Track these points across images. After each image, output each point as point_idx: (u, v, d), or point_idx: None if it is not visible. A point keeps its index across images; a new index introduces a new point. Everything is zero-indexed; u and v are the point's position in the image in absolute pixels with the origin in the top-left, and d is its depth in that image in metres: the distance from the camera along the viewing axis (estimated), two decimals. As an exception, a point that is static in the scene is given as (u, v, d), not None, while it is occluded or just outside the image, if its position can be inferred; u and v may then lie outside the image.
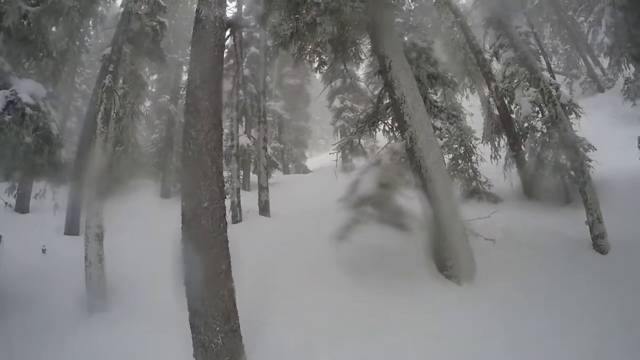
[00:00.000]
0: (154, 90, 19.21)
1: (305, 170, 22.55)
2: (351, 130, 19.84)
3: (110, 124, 9.01)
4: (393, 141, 6.90)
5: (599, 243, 7.10)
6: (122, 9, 10.07)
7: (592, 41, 16.22)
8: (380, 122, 7.77)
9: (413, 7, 11.02)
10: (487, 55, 12.05)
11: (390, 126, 7.93)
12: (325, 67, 10.13)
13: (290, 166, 23.17)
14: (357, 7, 6.49)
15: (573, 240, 7.39)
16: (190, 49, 5.32)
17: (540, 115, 10.72)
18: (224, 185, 4.83)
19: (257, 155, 14.74)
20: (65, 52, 12.49)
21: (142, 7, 11.09)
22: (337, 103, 20.94)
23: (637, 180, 9.73)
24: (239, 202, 13.16)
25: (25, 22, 7.37)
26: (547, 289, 5.81)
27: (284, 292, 5.90)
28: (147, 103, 19.06)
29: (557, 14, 17.28)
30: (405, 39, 7.66)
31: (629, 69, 11.57)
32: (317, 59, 9.31)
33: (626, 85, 13.44)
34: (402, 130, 6.78)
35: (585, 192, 7.46)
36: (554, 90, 9.39)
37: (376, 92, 8.50)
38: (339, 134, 20.93)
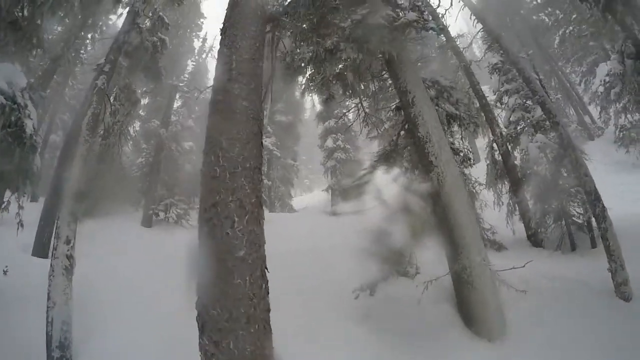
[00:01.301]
0: (143, 113, 18.42)
1: (291, 210, 21.75)
2: (339, 172, 19.80)
3: (96, 133, 8.26)
4: (414, 183, 6.40)
5: (622, 290, 6.71)
6: (123, 19, 9.44)
7: (584, 91, 16.69)
8: (397, 161, 7.28)
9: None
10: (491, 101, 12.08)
11: (406, 166, 7.45)
12: (333, 101, 9.84)
13: (276, 204, 22.44)
14: (385, 36, 6.18)
15: (594, 288, 7.03)
16: (217, 47, 4.09)
17: (546, 161, 10.62)
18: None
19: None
20: (60, 57, 11.85)
21: (146, 22, 10.61)
22: (329, 143, 20.57)
23: (642, 227, 9.50)
24: None
25: (19, 7, 6.49)
26: (581, 342, 5.38)
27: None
28: (136, 125, 18.26)
29: (549, 64, 17.82)
30: (426, 76, 7.33)
31: (630, 116, 11.74)
32: (327, 91, 8.99)
33: (621, 133, 13.67)
34: (426, 171, 6.31)
35: (607, 239, 7.12)
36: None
37: (390, 130, 8.07)
38: (329, 175, 20.47)
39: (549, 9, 17.69)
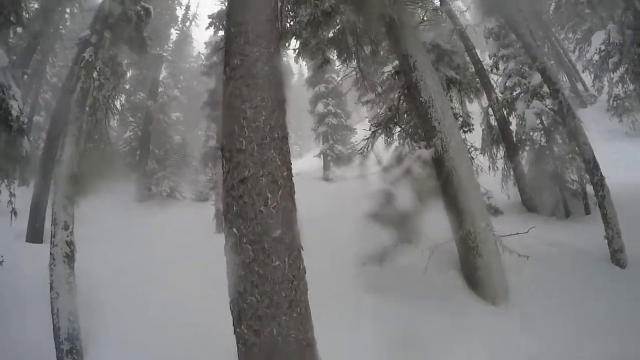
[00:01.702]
0: (128, 87, 17.76)
1: (281, 176, 21.65)
2: (330, 138, 19.52)
3: (85, 110, 7.90)
4: (418, 148, 6.27)
5: (618, 257, 6.82)
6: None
7: (577, 58, 16.55)
8: (397, 126, 7.13)
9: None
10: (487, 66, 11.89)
11: (407, 132, 7.31)
12: (328, 66, 9.56)
13: (267, 171, 22.19)
14: (385, -1, 5.92)
15: (590, 254, 7.14)
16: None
17: (542, 128, 10.59)
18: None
19: None
20: (39, 34, 11.24)
21: None
22: (320, 108, 20.16)
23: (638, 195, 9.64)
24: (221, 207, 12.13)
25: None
26: (581, 307, 5.48)
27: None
28: (122, 99, 17.66)
29: (542, 30, 17.54)
30: (425, 40, 7.10)
31: (626, 86, 11.68)
32: (321, 56, 8.70)
33: (615, 102, 13.65)
34: (429, 137, 6.18)
35: (604, 206, 7.16)
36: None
37: (386, 94, 7.87)
38: (321, 140, 20.22)
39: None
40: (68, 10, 13.97)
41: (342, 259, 6.47)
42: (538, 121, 10.61)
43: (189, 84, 23.66)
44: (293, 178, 3.04)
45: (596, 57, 13.37)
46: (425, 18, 7.58)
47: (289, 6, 6.76)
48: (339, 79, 12.72)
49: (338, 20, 6.63)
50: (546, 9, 17.43)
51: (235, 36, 3.26)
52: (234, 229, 2.68)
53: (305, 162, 27.73)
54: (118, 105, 15.74)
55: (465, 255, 5.87)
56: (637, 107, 12.81)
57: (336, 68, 21.13)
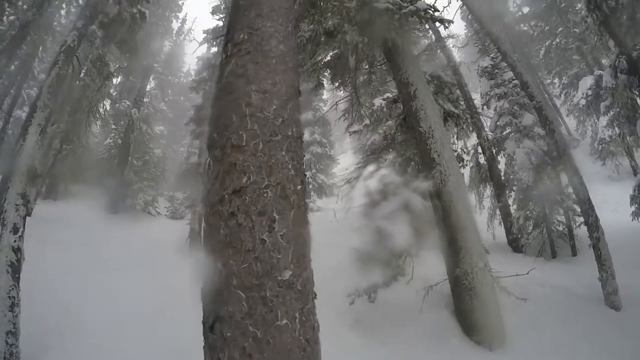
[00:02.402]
0: (114, 93, 17.18)
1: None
2: (313, 166, 19.26)
3: (59, 99, 7.33)
4: (412, 180, 5.98)
5: (612, 299, 6.65)
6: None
7: (563, 103, 16.95)
8: (390, 155, 6.86)
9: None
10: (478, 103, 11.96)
11: (402, 162, 7.04)
12: (323, 90, 9.35)
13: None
14: (391, 22, 5.74)
15: (584, 295, 7.01)
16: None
17: (530, 168, 10.56)
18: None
19: None
20: (30, 23, 10.67)
21: None
22: (306, 135, 19.99)
23: (627, 235, 9.59)
24: (200, 229, 11.40)
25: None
26: (577, 351, 5.32)
27: None
28: (107, 104, 17.05)
29: (531, 74, 18.03)
30: (425, 70, 6.96)
31: (612, 130, 11.90)
32: (316, 79, 8.50)
33: (600, 146, 13.89)
34: (427, 169, 5.92)
35: (599, 248, 7.03)
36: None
37: (384, 124, 7.65)
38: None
39: (534, 21, 17.89)
40: (64, 5, 13.51)
41: (327, 294, 5.99)
42: (528, 161, 10.58)
43: (176, 99, 23.25)
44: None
45: (583, 101, 13.69)
46: (424, 50, 7.46)
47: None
48: (330, 104, 12.51)
49: (337, 42, 6.41)
50: (534, 53, 17.97)
51: (245, 8, 2.41)
52: (219, 264, 1.66)
53: None
54: (102, 110, 15.18)
55: (460, 296, 5.50)
56: (621, 151, 13.04)
57: (324, 97, 21.24)
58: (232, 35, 2.27)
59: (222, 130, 1.98)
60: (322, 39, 6.37)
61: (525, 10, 19.85)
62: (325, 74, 8.46)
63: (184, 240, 11.34)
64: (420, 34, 7.19)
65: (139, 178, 15.50)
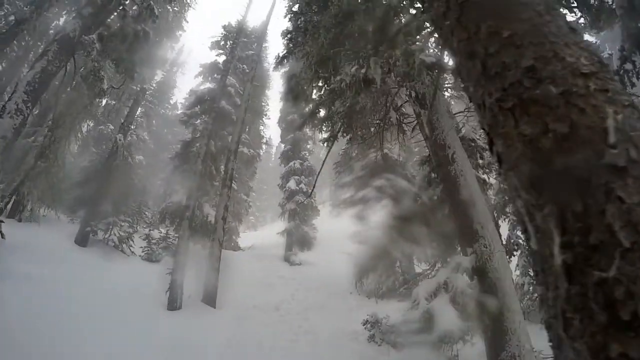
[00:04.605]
0: (98, 114, 16.12)
1: (236, 247, 19.83)
2: (301, 217, 18.59)
3: (37, 101, 6.46)
4: (459, 255, 5.53)
5: None
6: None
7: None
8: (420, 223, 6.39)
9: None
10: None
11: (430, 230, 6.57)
12: (334, 142, 8.97)
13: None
14: (434, 79, 5.50)
15: None
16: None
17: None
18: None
19: (213, 225, 12.12)
20: (26, 21, 9.82)
21: (134, 7, 9.14)
22: (292, 184, 19.28)
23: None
24: (182, 282, 10.22)
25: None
26: None
27: None
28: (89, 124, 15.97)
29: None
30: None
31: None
32: (330, 129, 8.16)
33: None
34: (467, 242, 5.47)
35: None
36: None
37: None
38: (286, 217, 19.15)
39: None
40: (64, 13, 12.80)
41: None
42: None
43: (159, 130, 22.29)
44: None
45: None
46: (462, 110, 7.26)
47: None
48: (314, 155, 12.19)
49: (374, 92, 6.12)
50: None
51: None
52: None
53: (259, 235, 26.29)
54: (84, 130, 14.07)
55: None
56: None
57: (308, 146, 20.95)
58: None
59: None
60: (362, 86, 5.98)
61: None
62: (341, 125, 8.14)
63: (164, 293, 10.07)
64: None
65: (115, 211, 14.21)
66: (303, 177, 19.52)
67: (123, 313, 8.50)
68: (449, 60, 5.76)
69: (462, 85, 1.69)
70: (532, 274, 10.41)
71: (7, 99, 7.21)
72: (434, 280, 5.18)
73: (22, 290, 7.72)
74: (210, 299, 10.28)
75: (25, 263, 8.94)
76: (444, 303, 4.92)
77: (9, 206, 12.45)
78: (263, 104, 21.48)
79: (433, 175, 6.51)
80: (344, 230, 18.92)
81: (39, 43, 14.34)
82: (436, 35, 8.30)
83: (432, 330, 4.75)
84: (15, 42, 13.03)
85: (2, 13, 12.07)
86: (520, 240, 10.59)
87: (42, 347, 6.19)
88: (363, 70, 5.72)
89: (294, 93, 8.17)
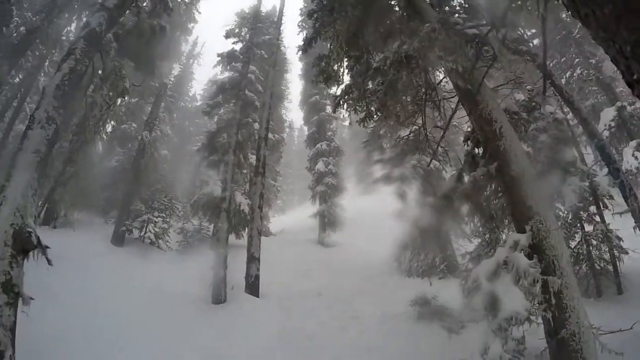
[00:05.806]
0: (120, 113, 16.30)
1: (267, 233, 20.06)
2: (328, 199, 18.55)
3: (72, 104, 6.45)
4: (511, 232, 5.42)
5: None
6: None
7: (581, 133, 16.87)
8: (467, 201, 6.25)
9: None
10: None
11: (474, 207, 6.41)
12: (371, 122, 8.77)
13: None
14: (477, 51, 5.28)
15: None
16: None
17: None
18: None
19: (250, 215, 12.15)
20: (37, 30, 9.89)
21: (144, 4, 8.98)
22: (320, 166, 19.23)
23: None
24: (225, 274, 10.28)
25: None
26: None
27: None
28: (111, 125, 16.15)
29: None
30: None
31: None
32: (366, 109, 7.94)
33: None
34: (521, 219, 5.33)
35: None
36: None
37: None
38: (317, 200, 19.11)
39: (551, 51, 17.94)
40: (74, 18, 12.84)
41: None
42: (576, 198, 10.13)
43: (180, 123, 22.46)
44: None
45: (606, 132, 13.59)
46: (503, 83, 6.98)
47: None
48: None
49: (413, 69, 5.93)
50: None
51: None
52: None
53: (289, 218, 26.38)
54: (108, 130, 14.24)
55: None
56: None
57: (332, 126, 20.71)
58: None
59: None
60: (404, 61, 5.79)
61: (535, 41, 19.99)
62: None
63: (207, 287, 10.12)
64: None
65: (148, 208, 14.50)
66: (331, 158, 19.54)
67: (170, 313, 8.64)
68: (488, 32, 5.54)
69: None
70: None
71: (35, 107, 7.20)
72: (493, 260, 5.07)
73: (67, 301, 7.82)
74: (253, 289, 10.38)
75: (66, 271, 9.15)
76: (508, 283, 4.83)
77: (42, 214, 12.76)
78: (283, 87, 21.34)
79: (476, 150, 6.32)
80: (372, 208, 18.96)
81: (53, 51, 14.40)
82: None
83: (497, 312, 4.69)
84: (29, 52, 13.18)
85: (13, 25, 12.18)
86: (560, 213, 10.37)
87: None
88: (405, 47, 5.55)
89: (325, 74, 8.01)
